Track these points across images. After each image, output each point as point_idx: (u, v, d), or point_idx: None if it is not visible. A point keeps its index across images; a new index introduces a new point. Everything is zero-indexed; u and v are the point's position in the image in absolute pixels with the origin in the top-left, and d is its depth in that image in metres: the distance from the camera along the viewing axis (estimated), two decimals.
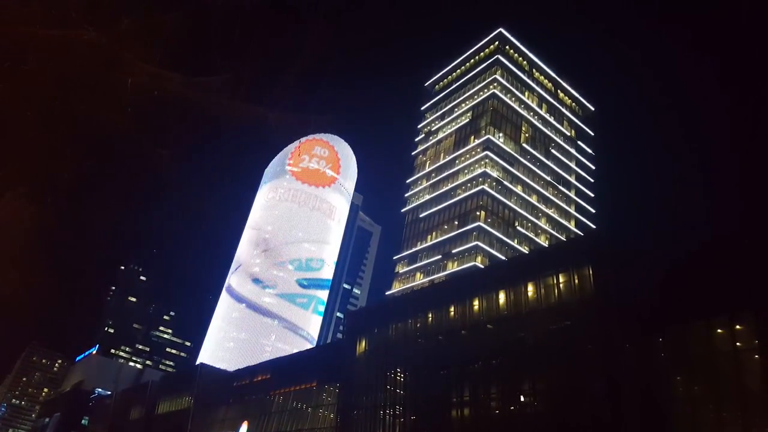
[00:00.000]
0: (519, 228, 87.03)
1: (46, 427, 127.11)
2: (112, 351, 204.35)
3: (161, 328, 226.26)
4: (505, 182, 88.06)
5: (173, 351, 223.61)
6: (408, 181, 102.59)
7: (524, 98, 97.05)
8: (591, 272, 32.50)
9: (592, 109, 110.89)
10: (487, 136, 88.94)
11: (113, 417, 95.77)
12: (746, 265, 26.86)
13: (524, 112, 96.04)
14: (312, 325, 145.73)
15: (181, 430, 69.49)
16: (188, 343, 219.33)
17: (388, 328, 45.91)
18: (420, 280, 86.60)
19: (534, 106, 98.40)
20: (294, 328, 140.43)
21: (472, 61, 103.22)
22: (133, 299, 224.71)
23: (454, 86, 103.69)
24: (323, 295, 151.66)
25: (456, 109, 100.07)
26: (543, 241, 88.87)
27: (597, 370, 31.02)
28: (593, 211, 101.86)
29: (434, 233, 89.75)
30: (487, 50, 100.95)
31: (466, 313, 39.70)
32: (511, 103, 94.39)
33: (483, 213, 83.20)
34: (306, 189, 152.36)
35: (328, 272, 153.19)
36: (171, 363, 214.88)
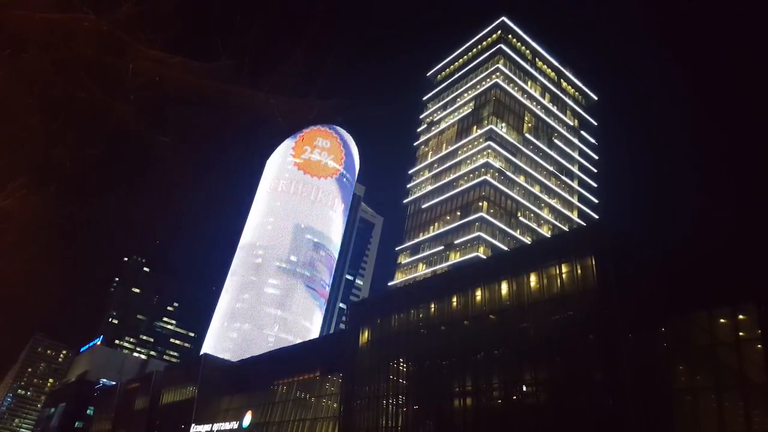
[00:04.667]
0: (521, 218, 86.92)
1: (52, 417, 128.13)
2: (117, 342, 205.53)
3: (165, 318, 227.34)
4: (508, 172, 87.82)
5: (177, 342, 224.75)
6: (410, 172, 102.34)
7: (527, 88, 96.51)
8: (593, 263, 32.46)
9: (595, 98, 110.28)
10: (489, 126, 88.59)
11: (117, 407, 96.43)
12: (749, 255, 26.79)
13: (527, 102, 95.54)
14: (314, 315, 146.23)
15: (185, 420, 69.98)
16: (192, 334, 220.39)
17: (390, 319, 46.00)
18: (422, 270, 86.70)
19: (537, 95, 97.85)
20: (296, 318, 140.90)
21: (474, 50, 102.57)
22: (137, 290, 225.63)
23: (456, 76, 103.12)
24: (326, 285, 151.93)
25: (458, 99, 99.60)
26: (545, 232, 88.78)
27: (598, 360, 31.10)
28: (596, 201, 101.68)
29: (436, 224, 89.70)
30: (489, 39, 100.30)
31: (468, 304, 39.74)
32: (514, 93, 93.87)
33: (485, 203, 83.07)
34: (308, 180, 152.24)
35: (330, 263, 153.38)
36: (175, 353, 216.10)
